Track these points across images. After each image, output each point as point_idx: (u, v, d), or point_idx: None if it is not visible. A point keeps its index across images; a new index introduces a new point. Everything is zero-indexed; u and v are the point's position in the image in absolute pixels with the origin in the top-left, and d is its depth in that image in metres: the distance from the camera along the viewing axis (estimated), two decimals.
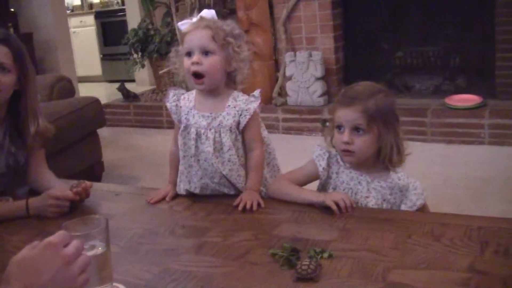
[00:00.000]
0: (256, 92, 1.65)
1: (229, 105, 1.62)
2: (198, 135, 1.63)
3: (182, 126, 1.66)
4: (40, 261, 0.88)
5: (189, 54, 1.59)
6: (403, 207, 1.52)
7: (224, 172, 1.63)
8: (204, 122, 1.62)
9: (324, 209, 1.47)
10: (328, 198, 1.47)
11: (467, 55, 4.16)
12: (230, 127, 1.61)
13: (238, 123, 1.62)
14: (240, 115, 1.61)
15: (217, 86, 1.63)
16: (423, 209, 1.54)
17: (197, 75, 1.59)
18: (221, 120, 1.62)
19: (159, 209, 1.67)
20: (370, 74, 4.23)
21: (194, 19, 1.63)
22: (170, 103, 1.71)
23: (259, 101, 1.63)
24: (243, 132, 1.64)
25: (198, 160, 1.64)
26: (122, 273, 1.22)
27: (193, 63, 1.57)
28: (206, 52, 1.57)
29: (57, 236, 0.92)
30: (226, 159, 1.62)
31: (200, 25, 1.59)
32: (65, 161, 2.98)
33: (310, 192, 1.58)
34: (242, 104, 1.62)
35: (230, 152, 1.61)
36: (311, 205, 1.50)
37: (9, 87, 1.73)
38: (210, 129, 1.61)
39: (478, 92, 3.89)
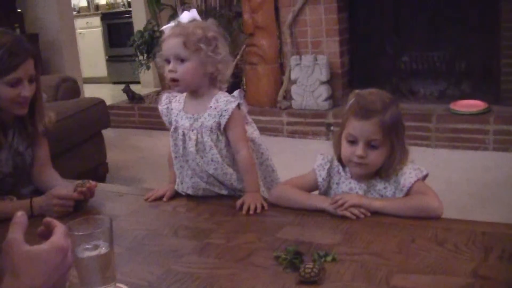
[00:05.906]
0: (236, 92, 1.68)
1: (210, 106, 1.65)
2: (184, 136, 1.67)
3: (172, 128, 1.71)
4: (53, 265, 0.86)
5: (168, 61, 1.64)
6: (397, 194, 1.48)
7: (210, 172, 1.66)
8: (188, 123, 1.67)
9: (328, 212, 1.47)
10: (339, 208, 1.44)
11: (472, 60, 4.16)
12: (211, 128, 1.64)
13: (219, 124, 1.64)
14: (220, 115, 1.63)
15: (198, 87, 1.67)
16: (418, 187, 1.45)
17: (174, 80, 1.64)
18: (202, 121, 1.65)
19: (162, 210, 1.67)
20: (375, 79, 4.24)
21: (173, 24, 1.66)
22: (161, 105, 1.75)
23: (238, 101, 1.65)
24: (226, 133, 1.66)
25: (187, 160, 1.68)
26: (125, 274, 1.22)
27: (169, 71, 1.63)
28: (181, 60, 1.61)
29: (66, 239, 0.91)
30: (209, 159, 1.65)
31: (174, 32, 1.62)
32: (70, 162, 2.98)
33: (318, 197, 1.55)
34: (223, 104, 1.64)
35: (212, 151, 1.64)
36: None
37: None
38: (192, 130, 1.66)
39: (483, 98, 3.89)
